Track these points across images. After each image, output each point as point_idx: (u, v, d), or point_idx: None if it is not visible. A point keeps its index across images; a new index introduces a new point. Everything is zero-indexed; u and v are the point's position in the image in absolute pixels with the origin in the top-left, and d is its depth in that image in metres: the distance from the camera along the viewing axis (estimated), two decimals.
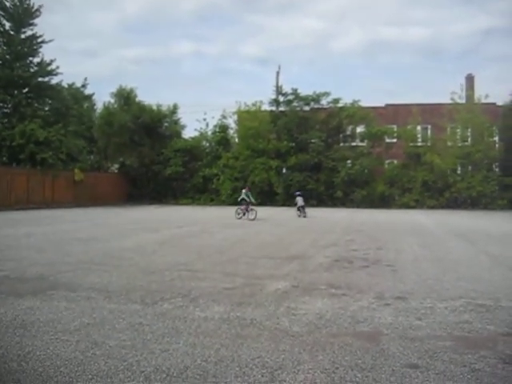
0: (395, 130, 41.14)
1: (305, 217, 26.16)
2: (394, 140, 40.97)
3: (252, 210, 23.94)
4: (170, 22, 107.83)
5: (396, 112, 42.35)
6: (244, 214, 24.03)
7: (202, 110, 76.75)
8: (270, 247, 13.27)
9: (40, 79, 36.66)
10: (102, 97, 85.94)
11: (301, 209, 27.29)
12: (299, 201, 27.77)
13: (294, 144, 41.18)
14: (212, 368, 4.44)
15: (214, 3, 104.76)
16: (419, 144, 40.11)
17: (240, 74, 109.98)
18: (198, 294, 7.32)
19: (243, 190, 25.41)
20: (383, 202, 38.06)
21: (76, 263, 10.14)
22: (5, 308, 6.44)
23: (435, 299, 7.19)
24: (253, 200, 24.15)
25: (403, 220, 24.58)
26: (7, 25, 35.48)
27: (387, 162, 40.97)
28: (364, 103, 41.20)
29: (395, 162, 40.57)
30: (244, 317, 6.12)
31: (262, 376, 4.28)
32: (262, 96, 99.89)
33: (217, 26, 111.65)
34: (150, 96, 71.83)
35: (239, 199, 25.08)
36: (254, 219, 22.95)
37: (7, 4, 35.00)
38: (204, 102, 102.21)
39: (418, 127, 40.76)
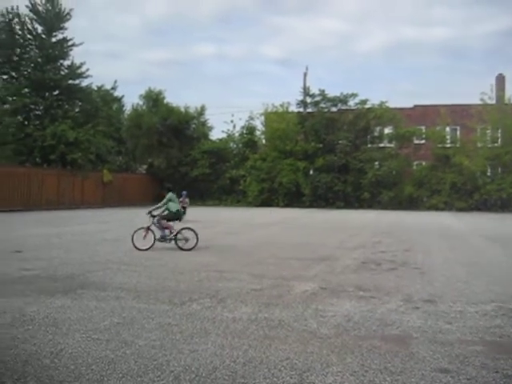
0: (423, 131, 40.67)
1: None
2: (423, 141, 40.52)
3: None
4: (192, 24, 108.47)
5: (424, 113, 41.83)
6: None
7: (226, 112, 77.30)
8: (297, 248, 13.25)
9: (70, 81, 37.20)
10: (128, 98, 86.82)
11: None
12: (187, 202, 24.04)
13: (321, 145, 41.03)
14: (240, 369, 4.45)
15: (236, 5, 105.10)
16: (448, 145, 39.51)
17: (263, 75, 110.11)
18: (225, 295, 7.36)
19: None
20: (411, 203, 37.63)
21: (105, 263, 10.28)
22: (37, 306, 6.56)
23: (465, 303, 7.10)
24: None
25: (431, 222, 24.27)
26: (39, 29, 36.16)
27: (415, 163, 40.50)
28: (391, 104, 40.85)
29: (423, 163, 40.09)
30: (272, 318, 6.13)
31: (291, 378, 4.28)
32: (285, 97, 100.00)
33: (239, 27, 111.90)
34: (175, 98, 72.44)
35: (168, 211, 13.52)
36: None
37: (40, 8, 35.67)
38: (227, 103, 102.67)
39: (447, 128, 40.19)
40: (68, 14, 36.75)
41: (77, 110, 39.01)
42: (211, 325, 5.82)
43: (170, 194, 13.64)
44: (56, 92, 36.84)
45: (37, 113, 36.62)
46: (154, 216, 13.24)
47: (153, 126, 42.80)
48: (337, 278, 8.91)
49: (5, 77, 36.17)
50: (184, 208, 22.43)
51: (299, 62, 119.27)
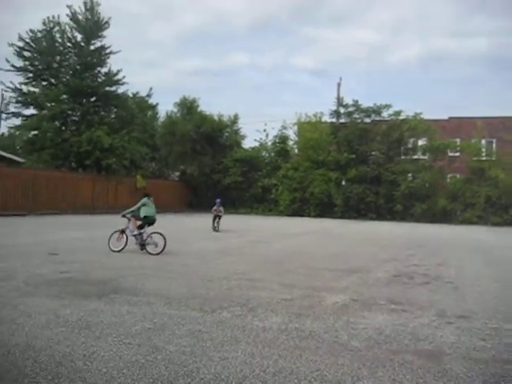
0: (458, 143, 40.04)
1: (217, 230, 21.13)
2: (457, 154, 39.86)
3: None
4: (227, 34, 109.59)
5: (459, 125, 41.17)
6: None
7: (259, 121, 77.55)
8: (329, 259, 13.16)
9: (107, 88, 37.89)
10: (162, 106, 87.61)
11: (217, 219, 21.69)
12: (222, 210, 22.26)
13: (354, 156, 40.75)
14: (270, 379, 4.44)
15: (270, 15, 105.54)
16: (483, 158, 38.80)
17: (296, 85, 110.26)
18: (256, 304, 7.35)
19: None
20: (444, 217, 37.00)
21: (137, 268, 10.39)
22: (71, 309, 6.67)
23: (500, 320, 6.93)
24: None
25: (465, 236, 23.84)
26: (79, 37, 36.99)
27: (449, 176, 39.84)
28: (426, 116, 40.35)
29: (458, 176, 39.43)
30: (302, 329, 6.10)
31: None
32: (318, 107, 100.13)
33: (272, 37, 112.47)
34: (208, 106, 72.86)
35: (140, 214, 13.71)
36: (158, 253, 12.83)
37: (80, 17, 36.49)
38: (260, 112, 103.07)
39: (483, 141, 39.48)
40: (106, 22, 37.52)
41: (112, 116, 39.65)
42: (241, 333, 5.82)
43: (144, 199, 13.89)
44: (93, 98, 37.55)
45: (74, 119, 37.35)
46: (129, 219, 13.64)
47: (186, 133, 43.25)
48: (368, 291, 8.82)
49: (44, 83, 37.07)
50: (219, 217, 21.58)
51: (332, 72, 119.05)
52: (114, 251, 12.85)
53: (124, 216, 13.79)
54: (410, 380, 4.53)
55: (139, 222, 13.43)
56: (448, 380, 4.56)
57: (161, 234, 13.05)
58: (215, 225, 21.50)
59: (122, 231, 13.38)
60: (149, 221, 13.59)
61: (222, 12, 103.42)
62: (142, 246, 13.17)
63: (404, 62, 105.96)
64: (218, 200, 22.81)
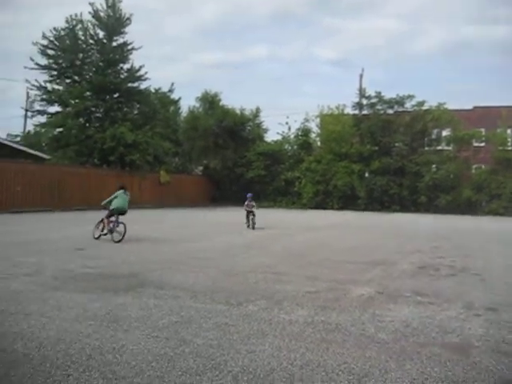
0: (483, 133, 39.45)
1: (253, 228, 19.34)
2: (482, 144, 39.34)
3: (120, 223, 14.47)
4: (247, 25, 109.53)
5: (484, 115, 40.54)
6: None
7: (281, 114, 77.33)
8: (352, 251, 13.12)
9: (129, 84, 38.04)
10: (184, 100, 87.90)
11: (251, 216, 19.80)
12: (254, 205, 20.45)
13: (377, 148, 40.41)
14: (298, 371, 4.46)
15: (290, 6, 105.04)
16: (509, 148, 38.22)
17: (317, 76, 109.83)
18: (281, 297, 7.37)
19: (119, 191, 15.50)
20: (469, 208, 36.50)
21: (163, 262, 10.47)
22: (100, 303, 6.77)
23: None
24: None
25: (491, 227, 23.53)
26: (101, 34, 37.19)
27: (474, 166, 39.29)
28: (450, 106, 39.77)
29: (483, 166, 38.88)
30: (329, 321, 6.10)
31: (349, 382, 4.25)
32: (340, 97, 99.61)
33: (293, 28, 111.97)
34: (229, 99, 73.14)
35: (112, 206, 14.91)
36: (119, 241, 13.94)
37: (102, 15, 36.72)
38: (281, 104, 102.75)
39: (508, 130, 38.88)
40: (128, 19, 37.63)
41: (135, 112, 39.78)
42: (268, 326, 5.85)
43: (118, 192, 15.24)
44: (116, 95, 37.70)
45: (97, 115, 37.57)
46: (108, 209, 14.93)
47: (209, 128, 43.36)
48: (394, 283, 8.78)
49: (68, 81, 37.36)
50: (252, 213, 19.74)
51: (354, 62, 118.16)
52: (94, 238, 14.28)
53: (104, 206, 15.32)
54: (438, 373, 4.51)
55: (113, 219, 14.59)
56: (477, 373, 4.53)
57: (123, 224, 14.24)
58: (250, 222, 19.66)
59: (102, 220, 14.74)
60: (116, 212, 14.66)
61: (242, 2, 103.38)
62: (111, 232, 14.26)
63: (428, 51, 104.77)
64: (249, 194, 21.11)
